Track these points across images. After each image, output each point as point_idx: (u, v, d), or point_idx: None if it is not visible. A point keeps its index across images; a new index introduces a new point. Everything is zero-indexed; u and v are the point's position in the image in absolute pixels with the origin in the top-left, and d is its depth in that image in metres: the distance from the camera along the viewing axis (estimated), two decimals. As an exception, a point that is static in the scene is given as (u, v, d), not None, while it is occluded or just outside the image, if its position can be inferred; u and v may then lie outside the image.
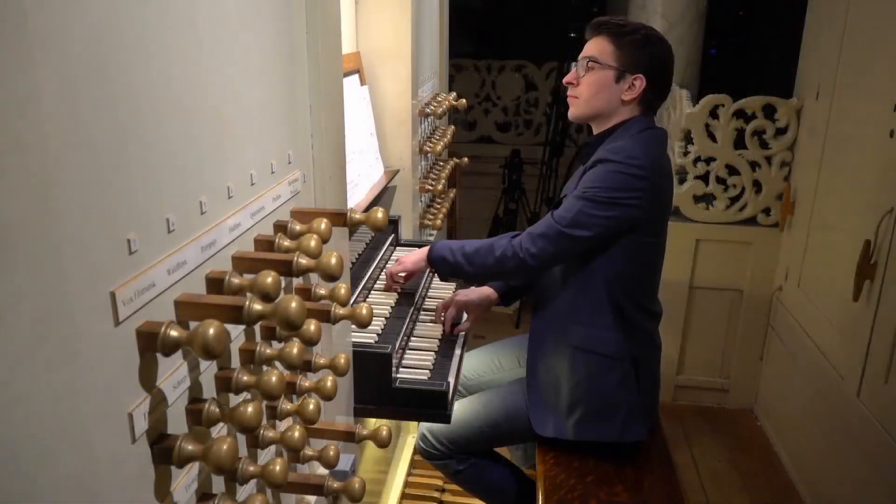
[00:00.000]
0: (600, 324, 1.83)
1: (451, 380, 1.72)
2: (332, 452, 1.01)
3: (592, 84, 1.80)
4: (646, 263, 1.85)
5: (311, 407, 0.94)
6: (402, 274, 1.95)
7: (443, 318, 1.97)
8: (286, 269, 0.90)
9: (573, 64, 1.86)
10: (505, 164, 4.83)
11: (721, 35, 4.91)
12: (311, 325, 0.85)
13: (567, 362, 1.87)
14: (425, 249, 1.92)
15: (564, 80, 1.87)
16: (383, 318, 1.80)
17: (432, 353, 1.83)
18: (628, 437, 1.90)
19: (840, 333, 2.58)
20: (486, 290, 2.07)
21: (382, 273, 2.05)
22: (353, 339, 1.58)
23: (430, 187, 2.41)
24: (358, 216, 1.12)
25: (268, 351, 0.89)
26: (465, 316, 2.03)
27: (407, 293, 1.97)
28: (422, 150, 2.37)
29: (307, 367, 1.02)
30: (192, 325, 0.71)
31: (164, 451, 0.72)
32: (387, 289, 1.97)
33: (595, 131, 1.88)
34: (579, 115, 1.87)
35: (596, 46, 1.80)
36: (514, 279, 2.08)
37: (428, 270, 2.01)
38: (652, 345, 1.95)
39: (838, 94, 2.75)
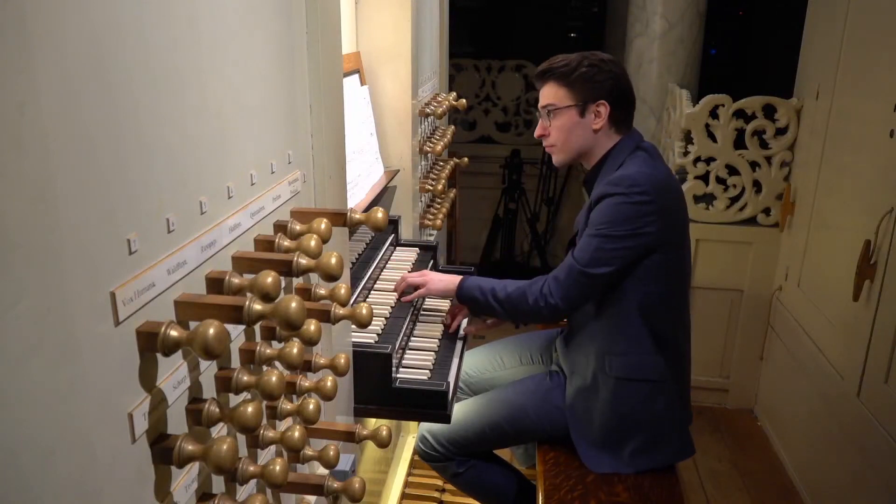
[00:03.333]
0: (640, 350, 1.83)
1: (452, 380, 1.72)
2: (332, 452, 1.01)
3: (561, 128, 1.82)
4: (675, 279, 1.85)
5: (311, 407, 0.94)
6: (417, 289, 1.92)
7: (449, 321, 1.98)
8: (286, 269, 0.90)
9: (537, 114, 1.86)
10: (505, 164, 4.84)
11: (721, 35, 4.91)
12: (311, 325, 0.85)
13: (610, 395, 1.85)
14: (455, 280, 1.91)
15: (536, 134, 1.89)
16: (383, 318, 1.79)
17: (432, 353, 1.83)
18: (683, 455, 1.92)
19: (840, 333, 2.58)
20: None
21: (382, 273, 2.05)
22: (353, 339, 1.58)
23: (430, 187, 2.41)
24: (358, 216, 1.12)
25: (268, 351, 0.89)
26: (465, 323, 2.03)
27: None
28: (422, 150, 2.37)
29: (307, 367, 1.03)
30: (192, 325, 0.71)
31: (164, 451, 0.72)
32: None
33: (587, 167, 1.89)
34: (563, 160, 1.90)
35: (550, 93, 1.83)
36: (550, 322, 2.09)
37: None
38: (687, 360, 1.95)
39: (838, 94, 2.75)
